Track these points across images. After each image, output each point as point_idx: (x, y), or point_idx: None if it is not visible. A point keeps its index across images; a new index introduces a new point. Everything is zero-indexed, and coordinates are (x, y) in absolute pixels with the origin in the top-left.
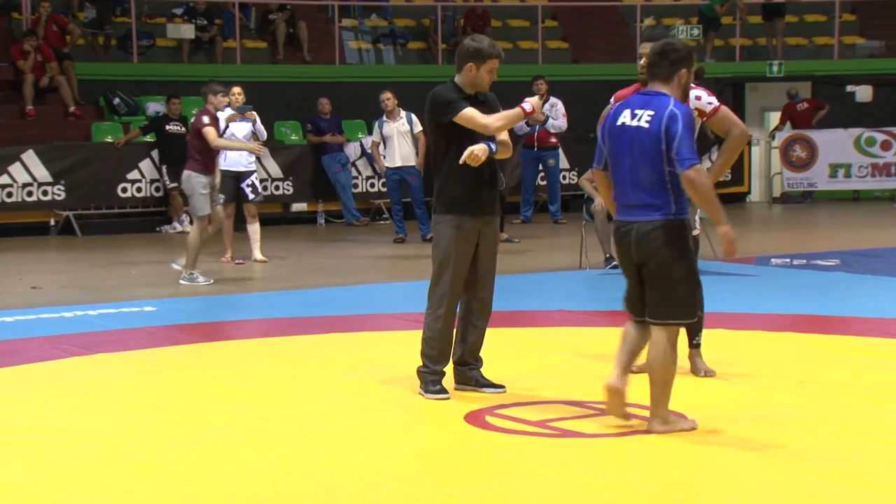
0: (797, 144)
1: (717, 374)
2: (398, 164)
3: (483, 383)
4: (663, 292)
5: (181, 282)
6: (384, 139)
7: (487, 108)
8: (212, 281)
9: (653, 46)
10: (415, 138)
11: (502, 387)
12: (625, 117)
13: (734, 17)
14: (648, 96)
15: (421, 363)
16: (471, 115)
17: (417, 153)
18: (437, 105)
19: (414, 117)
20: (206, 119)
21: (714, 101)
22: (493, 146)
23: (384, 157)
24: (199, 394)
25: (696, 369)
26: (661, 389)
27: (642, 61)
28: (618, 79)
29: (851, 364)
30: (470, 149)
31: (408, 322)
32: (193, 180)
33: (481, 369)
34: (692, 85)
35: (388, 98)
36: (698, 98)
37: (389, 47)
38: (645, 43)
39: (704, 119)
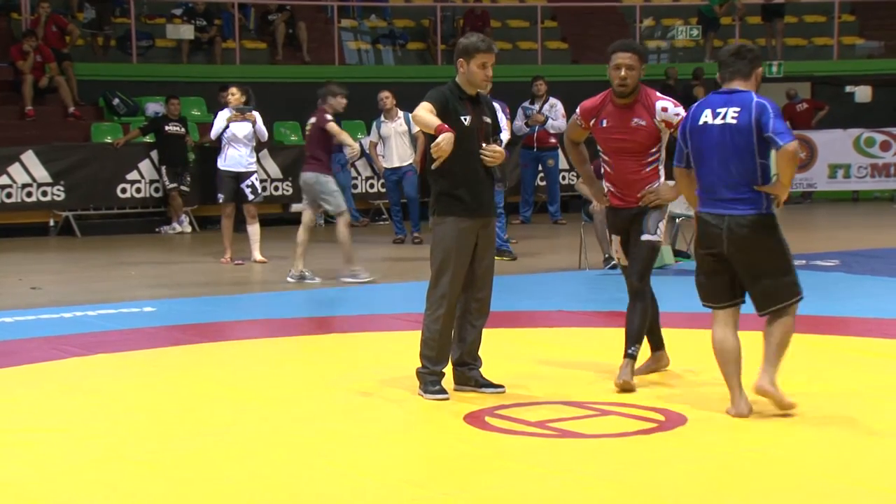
0: None
1: (715, 375)
2: (396, 164)
3: (482, 383)
4: (775, 280)
5: (344, 279)
6: (382, 139)
7: (481, 111)
8: (369, 278)
9: (728, 49)
10: (413, 138)
11: (502, 387)
12: (706, 116)
13: (733, 18)
14: (728, 94)
15: (420, 364)
16: (415, 112)
17: (415, 153)
18: (429, 94)
19: (411, 117)
20: (329, 116)
21: (681, 111)
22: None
23: (382, 158)
24: (200, 394)
25: (622, 380)
26: (782, 355)
27: (622, 72)
28: None
29: (851, 364)
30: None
31: (407, 322)
32: (322, 181)
33: (480, 369)
34: (658, 95)
35: (386, 97)
36: (665, 109)
37: (389, 48)
38: (623, 53)
39: (672, 130)
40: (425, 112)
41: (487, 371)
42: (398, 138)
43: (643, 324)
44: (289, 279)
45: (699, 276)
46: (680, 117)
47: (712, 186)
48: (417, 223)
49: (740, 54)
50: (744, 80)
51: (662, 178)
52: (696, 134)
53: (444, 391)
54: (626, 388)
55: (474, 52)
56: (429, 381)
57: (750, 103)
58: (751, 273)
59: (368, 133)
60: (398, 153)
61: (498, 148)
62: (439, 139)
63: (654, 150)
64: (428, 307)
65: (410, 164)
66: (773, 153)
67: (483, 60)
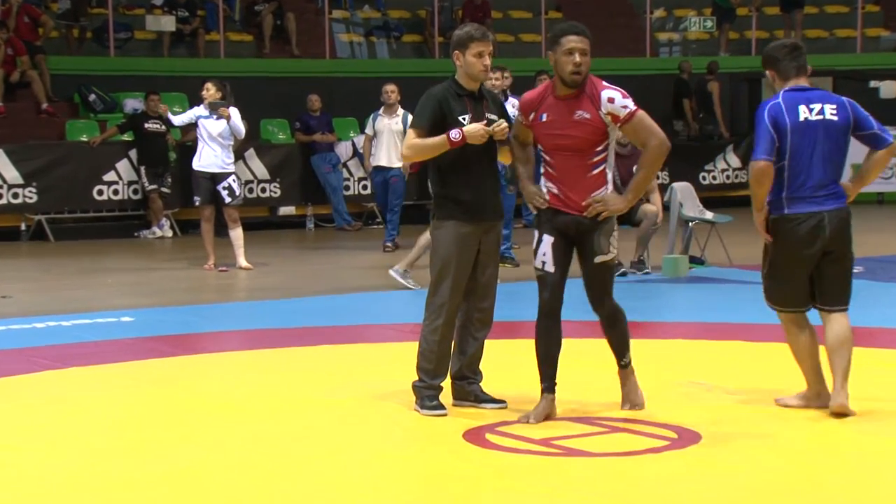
0: None
1: (731, 388)
2: (383, 162)
3: (483, 398)
4: (846, 277)
5: (392, 274)
6: (375, 134)
7: (484, 107)
8: (413, 287)
9: (781, 44)
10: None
11: (503, 402)
12: (804, 112)
13: (750, 9)
14: (811, 90)
15: (417, 377)
16: (406, 140)
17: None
18: (416, 110)
19: (410, 118)
20: None
21: (630, 104)
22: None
23: (372, 156)
24: (181, 410)
25: (627, 399)
26: (849, 366)
27: (577, 58)
28: (627, 73)
29: (877, 379)
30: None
31: (403, 333)
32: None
33: (481, 383)
34: (604, 84)
35: (392, 90)
36: (611, 100)
37: (383, 40)
38: (576, 36)
39: (618, 125)
40: (417, 142)
41: (488, 385)
42: (390, 136)
43: (624, 333)
44: (392, 273)
45: (780, 282)
46: (628, 111)
47: (807, 183)
48: (395, 230)
49: (798, 50)
50: (806, 78)
51: (610, 185)
52: (798, 131)
53: (441, 407)
54: (638, 405)
55: (468, 42)
56: (426, 395)
57: (843, 100)
58: (843, 266)
59: (362, 131)
60: (387, 153)
61: (503, 121)
62: (465, 138)
63: (599, 148)
64: (426, 317)
65: (399, 168)
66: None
67: (479, 49)
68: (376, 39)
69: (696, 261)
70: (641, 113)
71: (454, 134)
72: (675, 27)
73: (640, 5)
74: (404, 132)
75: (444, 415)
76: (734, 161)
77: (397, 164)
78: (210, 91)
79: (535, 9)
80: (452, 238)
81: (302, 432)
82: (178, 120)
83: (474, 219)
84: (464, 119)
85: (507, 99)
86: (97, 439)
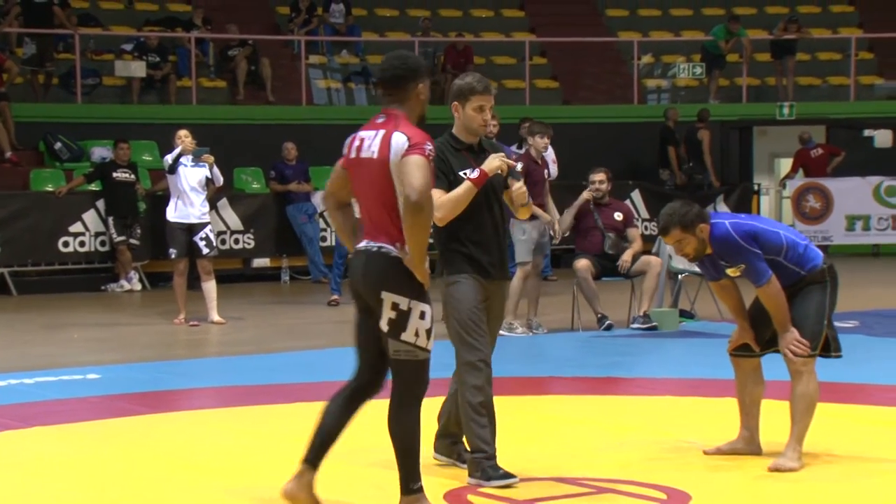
0: (811, 194)
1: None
2: None
3: (466, 459)
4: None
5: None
6: None
7: (484, 160)
8: (531, 332)
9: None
10: None
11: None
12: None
13: (741, 55)
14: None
15: (472, 448)
16: (439, 209)
17: None
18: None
19: None
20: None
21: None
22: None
23: None
24: (148, 471)
25: None
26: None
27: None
28: (613, 121)
29: (871, 437)
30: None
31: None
32: (516, 227)
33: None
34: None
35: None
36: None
37: (361, 86)
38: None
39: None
40: (445, 199)
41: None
42: None
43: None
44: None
45: (833, 329)
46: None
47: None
48: (339, 283)
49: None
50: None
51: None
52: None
53: (510, 475)
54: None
55: (469, 95)
56: (488, 466)
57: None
58: None
59: None
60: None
61: (521, 185)
62: (485, 174)
63: None
64: (465, 379)
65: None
66: None
67: (480, 103)
68: (354, 86)
69: (685, 314)
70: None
71: (472, 174)
72: (664, 74)
73: (627, 51)
74: None
75: (517, 482)
76: (725, 211)
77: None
78: (189, 137)
79: (520, 54)
80: (468, 289)
81: (275, 494)
82: (170, 159)
83: (486, 276)
84: (464, 174)
85: None
86: (62, 502)
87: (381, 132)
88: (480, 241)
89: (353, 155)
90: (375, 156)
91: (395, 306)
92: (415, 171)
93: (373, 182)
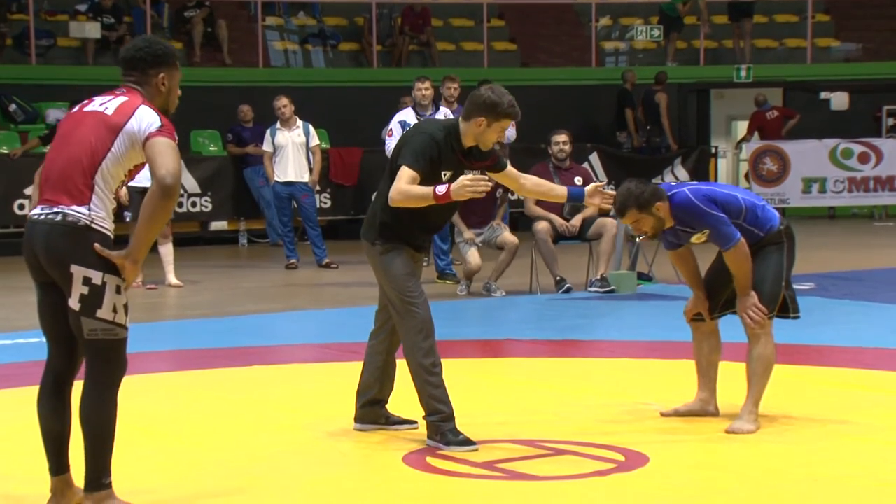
0: (767, 157)
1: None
2: (291, 177)
3: (394, 420)
4: None
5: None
6: (276, 149)
7: (470, 163)
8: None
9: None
10: (310, 152)
11: (414, 422)
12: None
13: (698, 17)
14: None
15: (429, 411)
16: (400, 179)
17: (311, 169)
18: (408, 147)
19: (311, 128)
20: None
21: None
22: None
23: (276, 173)
24: None
25: None
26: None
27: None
28: (571, 83)
29: (826, 398)
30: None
31: (339, 353)
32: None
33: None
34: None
35: (285, 105)
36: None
37: (319, 48)
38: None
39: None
40: (409, 189)
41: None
42: (296, 149)
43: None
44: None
45: (791, 290)
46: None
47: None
48: (323, 246)
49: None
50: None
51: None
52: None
53: (471, 442)
54: None
55: (502, 117)
56: (447, 429)
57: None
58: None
59: None
60: (294, 166)
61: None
62: (449, 195)
63: None
64: (410, 343)
65: (307, 183)
66: None
67: (505, 126)
68: (312, 47)
69: (643, 277)
70: (160, 140)
71: (440, 189)
72: (622, 36)
73: (585, 13)
74: (307, 143)
75: (476, 450)
76: (683, 174)
77: (306, 177)
78: None
79: (478, 16)
80: (401, 256)
81: (235, 459)
82: None
83: (414, 247)
84: (444, 175)
85: (437, 110)
86: (18, 466)
87: (124, 98)
88: (424, 227)
89: (74, 109)
90: (109, 112)
91: (87, 281)
92: (171, 154)
93: (86, 137)
